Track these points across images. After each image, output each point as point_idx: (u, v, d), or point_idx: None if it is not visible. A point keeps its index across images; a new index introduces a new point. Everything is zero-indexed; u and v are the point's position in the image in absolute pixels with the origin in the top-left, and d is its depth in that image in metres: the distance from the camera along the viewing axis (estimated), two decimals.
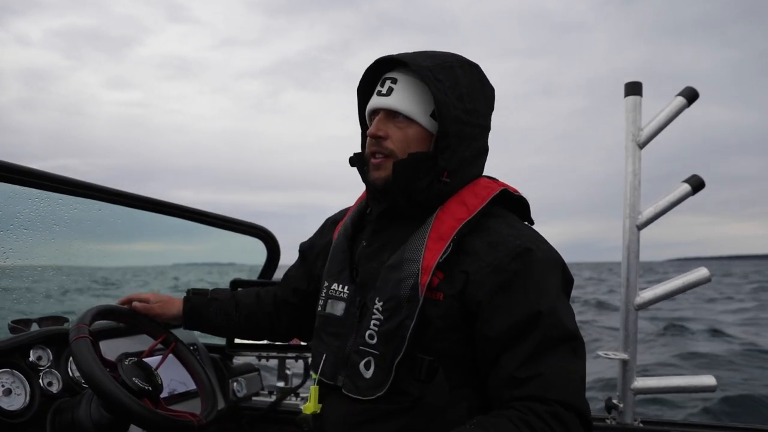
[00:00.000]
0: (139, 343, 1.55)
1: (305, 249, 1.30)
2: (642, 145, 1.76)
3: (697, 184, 1.69)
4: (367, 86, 1.08)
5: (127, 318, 1.32)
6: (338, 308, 1.04)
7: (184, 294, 1.37)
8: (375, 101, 1.03)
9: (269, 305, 1.33)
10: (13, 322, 1.45)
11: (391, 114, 1.00)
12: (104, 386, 1.03)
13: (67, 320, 1.52)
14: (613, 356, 1.76)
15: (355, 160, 1.07)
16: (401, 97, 0.99)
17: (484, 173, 1.11)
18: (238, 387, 1.93)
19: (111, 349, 1.32)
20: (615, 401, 1.77)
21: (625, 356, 1.75)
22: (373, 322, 0.97)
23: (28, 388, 1.23)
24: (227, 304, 1.33)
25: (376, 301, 0.97)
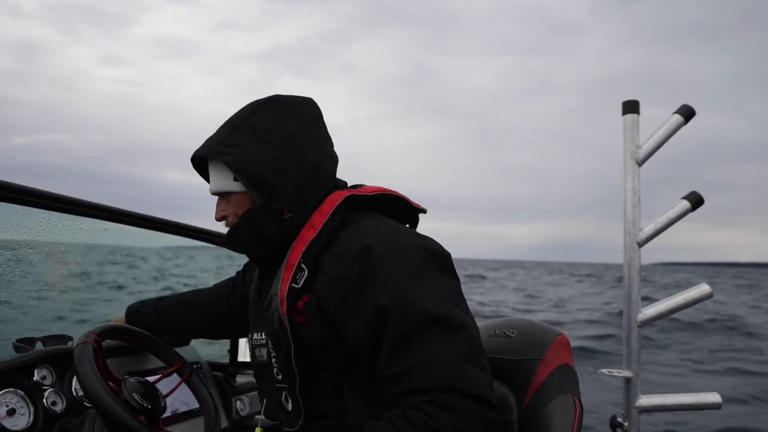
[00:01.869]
0: (146, 362, 1.55)
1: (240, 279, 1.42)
2: (641, 163, 1.78)
3: (696, 201, 1.71)
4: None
5: (142, 341, 1.33)
6: (264, 354, 1.09)
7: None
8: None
9: (200, 312, 1.48)
10: (17, 340, 1.46)
11: (219, 195, 1.10)
12: (93, 387, 1.04)
13: (71, 339, 1.53)
14: (616, 374, 1.75)
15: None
16: (214, 179, 1.09)
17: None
18: (242, 405, 1.92)
19: (118, 366, 1.33)
20: (620, 419, 1.76)
21: (628, 373, 1.74)
22: (273, 360, 1.04)
23: (31, 408, 1.24)
24: (149, 316, 1.50)
25: (268, 341, 1.04)
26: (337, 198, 1.03)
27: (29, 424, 1.21)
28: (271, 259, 1.07)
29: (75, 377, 1.34)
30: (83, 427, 1.18)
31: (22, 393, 1.24)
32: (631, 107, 1.78)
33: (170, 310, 1.50)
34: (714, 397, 1.69)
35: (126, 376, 1.16)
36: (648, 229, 1.76)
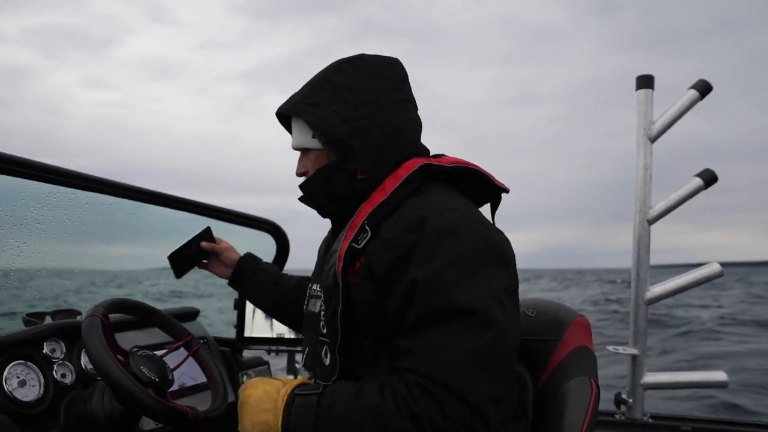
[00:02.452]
0: (154, 336, 1.56)
1: None
2: (653, 139, 1.74)
3: (709, 179, 1.68)
4: None
5: (150, 316, 1.34)
6: (316, 306, 1.09)
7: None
8: None
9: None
10: (27, 315, 1.47)
11: (301, 151, 1.11)
12: (101, 359, 1.04)
13: (79, 313, 1.54)
14: (622, 351, 1.75)
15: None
16: (295, 135, 1.10)
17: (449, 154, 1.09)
18: (248, 380, 1.95)
19: (125, 340, 1.34)
20: (624, 396, 1.77)
21: (634, 351, 1.74)
22: (322, 312, 1.04)
23: (42, 380, 1.25)
24: (269, 279, 1.41)
25: (322, 294, 1.05)
26: (413, 165, 1.01)
27: (40, 395, 1.23)
28: (343, 216, 1.07)
29: (84, 350, 1.36)
30: (92, 399, 1.19)
31: (32, 365, 1.25)
32: (645, 82, 1.74)
33: (287, 284, 1.42)
34: (720, 376, 1.69)
35: (134, 349, 1.17)
36: (659, 206, 1.73)
